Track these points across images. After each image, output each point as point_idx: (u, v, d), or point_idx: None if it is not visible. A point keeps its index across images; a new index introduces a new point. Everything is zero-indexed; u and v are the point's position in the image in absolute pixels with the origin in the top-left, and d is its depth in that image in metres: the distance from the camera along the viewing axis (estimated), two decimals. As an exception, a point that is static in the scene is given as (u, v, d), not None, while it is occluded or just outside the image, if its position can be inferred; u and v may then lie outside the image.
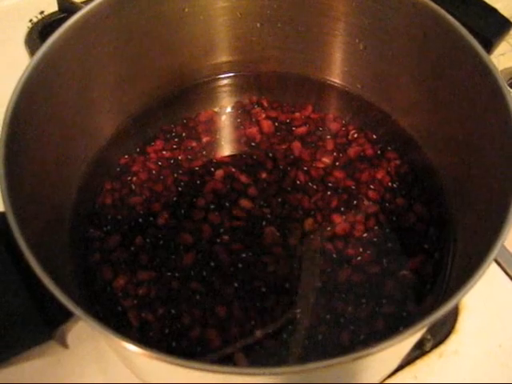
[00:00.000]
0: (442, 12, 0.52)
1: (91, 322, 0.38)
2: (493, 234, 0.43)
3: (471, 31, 0.50)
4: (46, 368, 0.52)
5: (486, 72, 0.49)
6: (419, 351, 0.60)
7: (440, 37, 0.53)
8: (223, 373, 0.37)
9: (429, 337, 0.60)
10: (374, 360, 0.44)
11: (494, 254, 0.42)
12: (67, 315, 0.40)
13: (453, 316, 0.61)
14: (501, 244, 0.42)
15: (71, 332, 0.43)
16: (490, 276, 0.62)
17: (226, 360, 0.54)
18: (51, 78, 0.53)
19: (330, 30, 0.63)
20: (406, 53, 0.59)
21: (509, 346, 0.60)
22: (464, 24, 0.51)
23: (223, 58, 0.69)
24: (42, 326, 0.40)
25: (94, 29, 0.56)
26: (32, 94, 0.50)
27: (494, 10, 0.53)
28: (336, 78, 0.70)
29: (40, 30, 0.83)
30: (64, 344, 0.42)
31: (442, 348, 0.60)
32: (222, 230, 0.60)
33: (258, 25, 0.66)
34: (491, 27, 0.52)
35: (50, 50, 0.52)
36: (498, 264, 0.65)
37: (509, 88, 0.48)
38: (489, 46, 0.51)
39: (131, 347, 0.38)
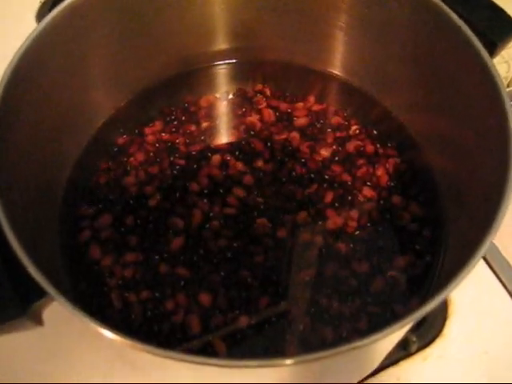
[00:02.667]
0: (446, 9, 0.50)
1: (62, 301, 0.38)
2: (482, 233, 0.43)
3: (476, 32, 0.49)
4: (19, 345, 0.53)
5: (486, 74, 0.48)
6: (404, 352, 0.60)
7: (443, 35, 0.52)
8: (172, 358, 0.37)
9: (414, 339, 0.59)
10: (353, 357, 0.44)
11: (482, 251, 0.42)
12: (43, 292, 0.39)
13: (441, 320, 0.61)
14: (489, 242, 0.42)
15: (48, 309, 0.43)
16: (482, 283, 0.63)
17: (206, 347, 0.53)
18: (47, 55, 0.53)
19: (334, 21, 0.62)
20: (408, 49, 0.58)
21: (495, 354, 0.59)
22: (469, 24, 0.50)
23: (227, 44, 0.68)
24: (16, 301, 0.39)
25: (94, 9, 0.56)
26: (27, 70, 0.50)
27: (501, 11, 0.51)
28: (340, 70, 0.69)
29: (51, 7, 0.82)
30: (39, 321, 0.41)
31: (428, 351, 0.60)
32: (213, 217, 0.60)
33: (263, 13, 0.65)
34: (497, 29, 0.51)
35: (47, 28, 0.52)
36: (492, 270, 0.64)
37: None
38: (493, 49, 0.50)
39: (102, 330, 0.38)
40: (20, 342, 0.54)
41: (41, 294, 0.39)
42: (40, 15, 0.82)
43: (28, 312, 0.40)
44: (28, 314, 0.40)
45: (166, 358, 0.37)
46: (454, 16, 0.50)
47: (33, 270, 0.39)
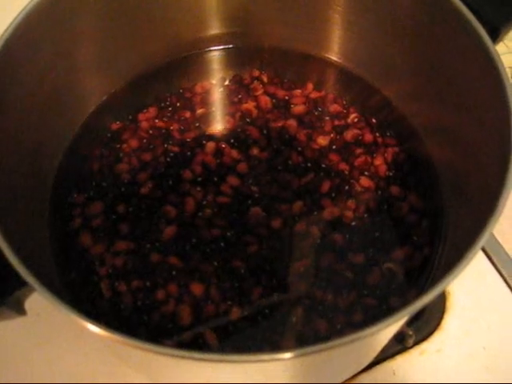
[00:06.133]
0: (448, -7, 0.49)
1: (42, 291, 0.36)
2: (482, 224, 0.41)
3: (478, 16, 0.47)
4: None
5: (488, 61, 0.46)
6: (400, 346, 0.58)
7: (444, 20, 0.50)
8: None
9: (411, 332, 0.58)
10: (348, 350, 0.43)
11: (481, 243, 0.40)
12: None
13: (438, 313, 0.60)
14: (488, 233, 0.40)
15: (31, 297, 0.42)
16: (482, 275, 0.61)
17: (197, 338, 0.52)
18: (38, 35, 0.52)
19: (332, 5, 0.60)
20: (409, 35, 0.56)
21: (493, 349, 0.58)
22: (471, 8, 0.48)
23: (223, 29, 0.67)
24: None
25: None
26: (16, 50, 0.49)
27: (505, -4, 0.50)
28: (339, 57, 0.67)
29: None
30: (21, 310, 0.40)
31: (425, 345, 0.59)
32: (206, 205, 0.58)
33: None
34: (500, 14, 0.49)
35: (38, 7, 0.50)
36: (492, 263, 0.63)
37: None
38: (496, 35, 0.48)
39: (83, 323, 0.36)
40: (0, 332, 0.54)
41: (22, 282, 0.38)
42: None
43: (8, 301, 0.39)
44: (8, 303, 0.39)
45: (153, 353, 0.35)
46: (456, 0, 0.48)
47: (13, 259, 0.38)
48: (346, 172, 0.60)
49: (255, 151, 0.62)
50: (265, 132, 0.63)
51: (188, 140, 0.63)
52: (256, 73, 0.68)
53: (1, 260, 0.38)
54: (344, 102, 0.66)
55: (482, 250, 0.62)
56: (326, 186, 0.59)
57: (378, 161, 0.61)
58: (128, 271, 0.55)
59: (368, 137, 0.63)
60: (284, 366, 0.41)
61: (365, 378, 0.56)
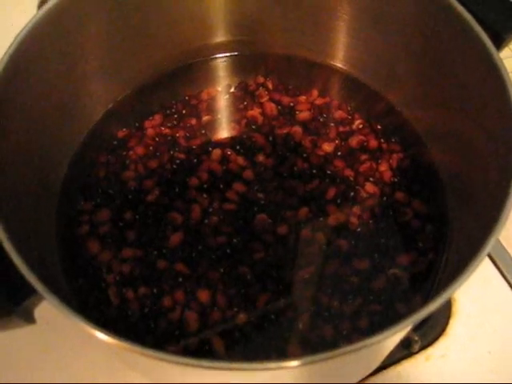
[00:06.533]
0: (452, 0, 0.49)
1: (51, 299, 0.37)
2: (487, 230, 0.41)
3: (482, 24, 0.48)
4: (10, 344, 0.52)
5: (492, 69, 0.46)
6: (406, 352, 0.59)
7: (449, 28, 0.51)
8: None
9: (416, 338, 0.58)
10: (354, 356, 0.43)
11: (487, 249, 0.40)
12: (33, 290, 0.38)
13: (444, 319, 0.60)
14: (493, 241, 0.40)
15: (40, 306, 0.42)
16: (487, 281, 0.61)
17: (204, 345, 0.52)
18: (45, 45, 0.52)
19: (337, 13, 0.61)
20: (413, 42, 0.57)
21: (499, 353, 0.58)
22: (476, 16, 0.48)
23: (229, 36, 0.67)
24: (5, 297, 0.38)
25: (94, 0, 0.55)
26: (24, 60, 0.49)
27: (509, 3, 0.50)
28: (343, 64, 0.67)
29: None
30: (31, 319, 0.40)
31: (430, 351, 0.59)
32: (212, 212, 0.59)
33: (265, 5, 0.64)
34: (504, 21, 0.49)
35: (45, 17, 0.51)
36: (498, 268, 0.63)
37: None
38: (500, 42, 0.49)
39: (93, 331, 0.37)
40: (11, 340, 0.54)
41: (32, 290, 0.38)
42: (41, 3, 0.81)
43: (19, 309, 0.39)
44: (19, 312, 0.39)
45: (161, 361, 0.35)
46: (460, 8, 0.49)
47: (21, 266, 0.38)
48: (351, 178, 0.61)
49: (261, 158, 0.62)
50: (270, 139, 0.63)
51: (194, 147, 0.63)
52: (261, 80, 0.68)
53: (10, 269, 0.38)
54: (349, 109, 0.66)
55: (487, 256, 0.62)
56: (331, 192, 0.60)
57: (383, 167, 0.61)
58: (135, 278, 0.55)
59: (373, 143, 0.63)
60: (290, 371, 0.41)
61: (371, 383, 0.56)
